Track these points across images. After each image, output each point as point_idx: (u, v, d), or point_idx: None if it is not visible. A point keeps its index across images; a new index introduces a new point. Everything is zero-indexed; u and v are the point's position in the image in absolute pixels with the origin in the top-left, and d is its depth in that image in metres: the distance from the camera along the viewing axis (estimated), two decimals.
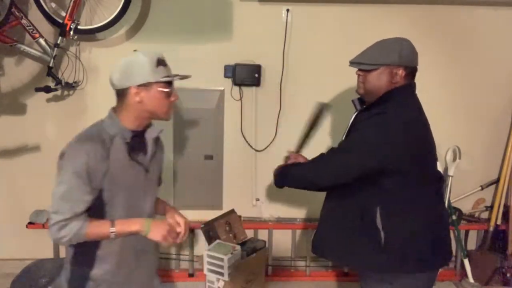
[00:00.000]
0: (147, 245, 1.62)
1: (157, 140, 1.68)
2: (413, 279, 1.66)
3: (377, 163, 1.59)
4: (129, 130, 1.54)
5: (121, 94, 1.53)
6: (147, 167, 1.60)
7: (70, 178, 1.42)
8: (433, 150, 1.71)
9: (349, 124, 1.86)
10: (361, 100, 1.84)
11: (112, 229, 1.45)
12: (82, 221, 1.44)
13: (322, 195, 3.12)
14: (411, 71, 1.70)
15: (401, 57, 1.67)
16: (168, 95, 1.55)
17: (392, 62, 1.66)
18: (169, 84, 1.55)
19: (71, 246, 1.55)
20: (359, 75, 1.77)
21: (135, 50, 1.59)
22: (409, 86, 1.71)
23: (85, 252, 1.54)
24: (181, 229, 1.58)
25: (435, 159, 1.74)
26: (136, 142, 1.56)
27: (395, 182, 1.61)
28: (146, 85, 1.50)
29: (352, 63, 1.78)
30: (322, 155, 1.84)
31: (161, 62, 1.54)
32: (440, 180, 1.76)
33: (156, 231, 1.47)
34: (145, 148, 1.59)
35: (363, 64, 1.73)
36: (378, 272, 1.69)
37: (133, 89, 1.50)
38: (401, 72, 1.66)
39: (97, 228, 1.46)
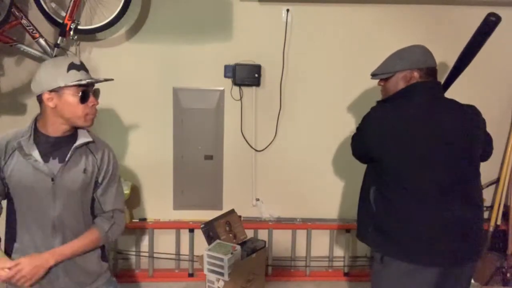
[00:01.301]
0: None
1: (89, 150, 1.63)
2: (399, 267, 1.70)
3: (357, 147, 1.94)
4: (45, 135, 1.56)
5: (39, 100, 1.57)
6: (55, 175, 1.54)
7: None
8: (428, 154, 1.69)
9: None
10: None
11: None
12: None
13: (319, 193, 3.15)
14: (427, 71, 1.80)
15: (412, 61, 1.80)
16: (83, 100, 1.54)
17: (404, 67, 1.80)
18: (84, 89, 1.54)
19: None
20: (380, 85, 1.93)
21: (54, 56, 1.62)
22: (417, 85, 1.77)
23: (7, 242, 1.61)
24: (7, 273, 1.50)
25: (428, 164, 1.69)
26: (49, 147, 1.56)
27: (380, 169, 1.78)
28: (57, 90, 1.52)
29: (373, 75, 1.93)
30: None
31: (74, 67, 1.53)
32: (444, 190, 1.69)
33: None
34: (63, 155, 1.56)
35: (380, 74, 1.88)
36: (371, 246, 1.85)
37: (46, 95, 1.52)
38: (415, 74, 1.79)
39: None
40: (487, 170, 3.14)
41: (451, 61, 2.98)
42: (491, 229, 3.07)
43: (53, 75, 1.52)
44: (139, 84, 2.97)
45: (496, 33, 2.99)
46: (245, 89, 3.02)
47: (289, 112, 3.05)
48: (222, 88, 3.02)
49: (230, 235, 2.83)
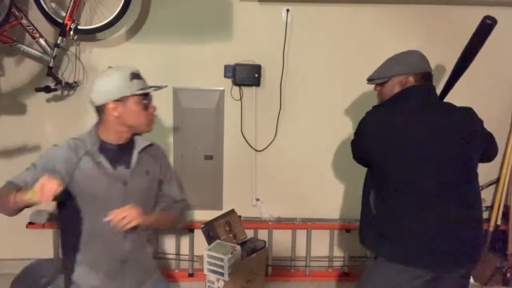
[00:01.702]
0: (133, 256, 1.65)
1: (148, 153, 1.69)
2: (394, 267, 1.69)
3: (355, 152, 1.92)
4: (110, 144, 1.59)
5: (100, 110, 1.59)
6: (126, 179, 1.60)
7: (32, 163, 1.57)
8: (424, 157, 1.69)
9: None
10: None
11: (12, 200, 1.45)
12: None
13: (319, 193, 3.15)
14: (423, 76, 1.80)
15: (409, 65, 1.80)
16: (145, 107, 1.60)
17: (401, 72, 1.80)
18: (145, 96, 1.61)
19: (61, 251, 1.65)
20: (376, 89, 1.92)
21: (109, 67, 1.65)
22: (412, 88, 1.78)
23: (68, 255, 1.62)
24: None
25: (425, 167, 1.69)
26: (115, 154, 1.60)
27: (378, 172, 1.78)
28: (122, 100, 1.56)
29: (369, 80, 1.93)
30: None
31: (135, 76, 1.59)
32: (442, 193, 1.69)
33: (35, 192, 1.41)
34: (128, 160, 1.62)
35: (377, 79, 1.88)
36: (371, 250, 1.83)
37: (111, 105, 1.56)
38: (410, 79, 1.79)
39: (5, 196, 1.47)
40: (487, 170, 3.15)
41: (450, 61, 2.98)
42: (491, 229, 3.07)
43: (118, 85, 1.56)
44: None
45: (496, 33, 3.00)
46: (245, 89, 3.02)
47: (289, 112, 3.05)
48: (222, 88, 3.02)
49: (230, 235, 2.83)
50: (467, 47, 2.14)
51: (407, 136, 1.71)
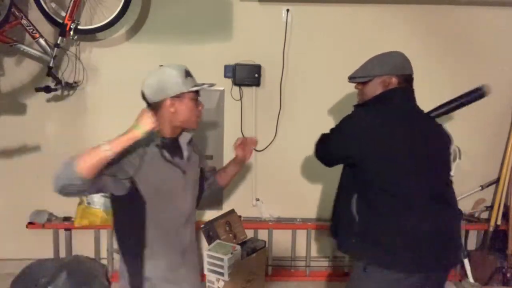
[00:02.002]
0: (190, 246, 1.76)
1: (191, 144, 1.78)
2: (384, 276, 1.65)
3: (331, 150, 1.87)
4: (165, 138, 1.66)
5: (157, 106, 1.64)
6: (184, 168, 1.69)
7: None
8: (413, 160, 1.68)
9: None
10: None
11: (106, 147, 1.41)
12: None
13: (319, 193, 3.15)
14: (405, 78, 1.80)
15: (392, 67, 1.79)
16: (197, 104, 1.68)
17: (384, 72, 1.78)
18: (197, 93, 1.68)
19: (121, 252, 1.68)
20: (357, 88, 1.90)
21: (161, 65, 1.72)
22: (397, 90, 1.77)
23: (134, 254, 1.64)
24: None
25: (413, 170, 1.68)
26: (171, 147, 1.67)
27: (363, 176, 1.72)
28: (179, 96, 1.62)
29: (350, 78, 1.91)
30: (323, 134, 1.99)
31: (188, 73, 1.68)
32: (430, 196, 1.68)
33: (144, 122, 1.47)
34: (180, 152, 1.70)
35: (359, 77, 1.87)
36: (355, 257, 1.78)
37: (168, 101, 1.62)
38: (393, 80, 1.78)
39: (88, 153, 1.40)
40: (487, 170, 3.16)
41: (450, 61, 3.00)
42: (491, 229, 3.07)
43: (177, 82, 1.62)
44: (139, 84, 2.95)
45: (496, 33, 3.01)
46: (245, 89, 3.02)
47: (289, 112, 3.05)
48: (222, 88, 3.02)
49: (230, 235, 2.83)
50: (452, 103, 2.13)
51: (391, 138, 1.69)
